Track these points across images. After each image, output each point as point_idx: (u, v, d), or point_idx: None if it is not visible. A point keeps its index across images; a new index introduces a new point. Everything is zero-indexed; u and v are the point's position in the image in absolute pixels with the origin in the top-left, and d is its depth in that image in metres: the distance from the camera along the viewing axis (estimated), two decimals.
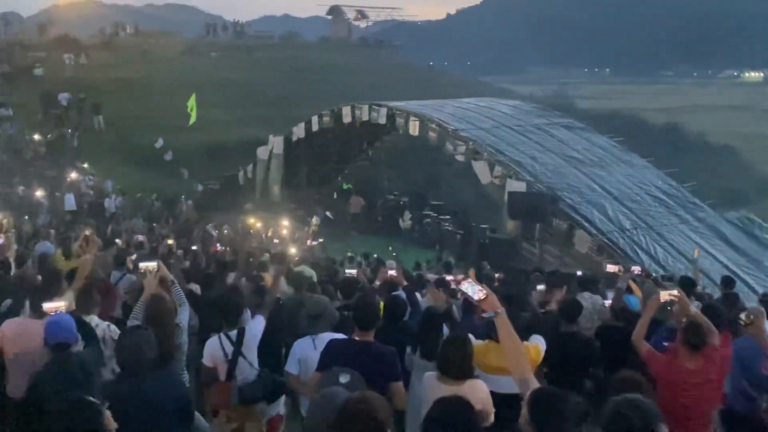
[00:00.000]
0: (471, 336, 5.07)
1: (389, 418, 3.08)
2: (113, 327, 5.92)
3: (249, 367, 5.89)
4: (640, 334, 5.62)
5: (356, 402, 3.05)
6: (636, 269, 10.99)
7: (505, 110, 27.64)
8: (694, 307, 6.11)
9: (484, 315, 4.09)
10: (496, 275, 13.19)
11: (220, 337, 5.87)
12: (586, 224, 19.56)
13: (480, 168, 21.75)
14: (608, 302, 7.98)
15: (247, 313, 6.40)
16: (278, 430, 6.17)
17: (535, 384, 3.77)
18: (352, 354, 4.86)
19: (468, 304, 7.97)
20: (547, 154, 23.17)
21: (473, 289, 4.08)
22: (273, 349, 6.73)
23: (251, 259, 11.76)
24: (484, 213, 25.85)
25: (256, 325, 6.12)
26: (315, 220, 22.58)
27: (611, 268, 10.59)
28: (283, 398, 6.16)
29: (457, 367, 4.63)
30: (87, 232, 13.06)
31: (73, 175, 27.76)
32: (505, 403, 4.58)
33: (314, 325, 5.65)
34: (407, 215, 25.59)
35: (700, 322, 5.30)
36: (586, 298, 8.04)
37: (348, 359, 4.76)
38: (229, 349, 5.80)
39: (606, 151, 24.73)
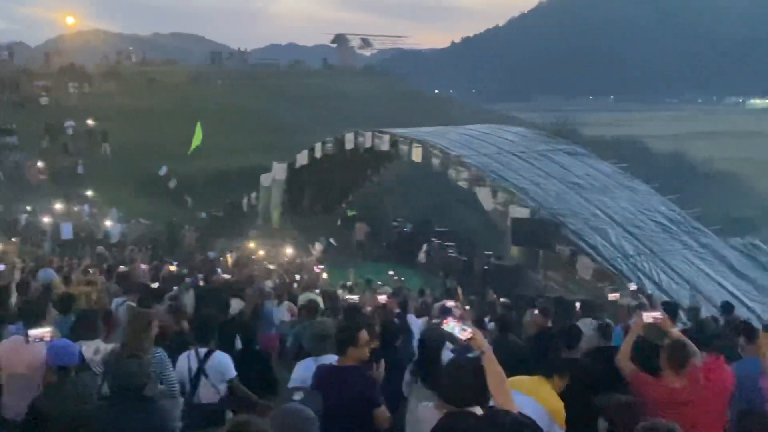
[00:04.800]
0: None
1: None
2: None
3: (213, 389, 5.93)
4: (624, 354, 5.62)
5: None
6: (632, 286, 10.96)
7: (508, 137, 27.58)
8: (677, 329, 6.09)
9: (470, 355, 4.06)
10: (502, 300, 13.09)
11: (188, 355, 6.03)
12: (589, 250, 19.38)
13: (483, 194, 21.73)
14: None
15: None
16: None
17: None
18: (340, 378, 4.93)
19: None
20: (550, 180, 23.03)
21: (458, 329, 3.95)
22: None
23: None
24: (488, 239, 25.73)
25: (224, 353, 6.19)
26: (318, 246, 22.46)
27: (613, 296, 10.57)
28: None
29: (464, 394, 3.84)
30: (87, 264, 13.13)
31: (75, 203, 27.89)
32: None
33: (319, 346, 5.65)
34: (424, 248, 25.19)
35: (683, 342, 5.31)
36: (588, 325, 8.01)
37: (336, 383, 4.85)
38: (195, 366, 5.94)
39: (609, 177, 24.57)
